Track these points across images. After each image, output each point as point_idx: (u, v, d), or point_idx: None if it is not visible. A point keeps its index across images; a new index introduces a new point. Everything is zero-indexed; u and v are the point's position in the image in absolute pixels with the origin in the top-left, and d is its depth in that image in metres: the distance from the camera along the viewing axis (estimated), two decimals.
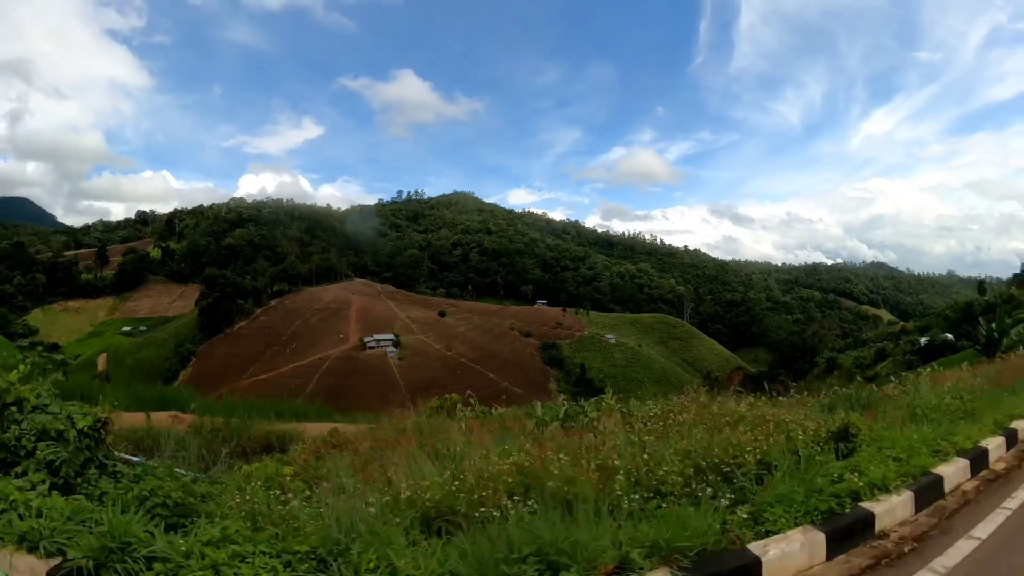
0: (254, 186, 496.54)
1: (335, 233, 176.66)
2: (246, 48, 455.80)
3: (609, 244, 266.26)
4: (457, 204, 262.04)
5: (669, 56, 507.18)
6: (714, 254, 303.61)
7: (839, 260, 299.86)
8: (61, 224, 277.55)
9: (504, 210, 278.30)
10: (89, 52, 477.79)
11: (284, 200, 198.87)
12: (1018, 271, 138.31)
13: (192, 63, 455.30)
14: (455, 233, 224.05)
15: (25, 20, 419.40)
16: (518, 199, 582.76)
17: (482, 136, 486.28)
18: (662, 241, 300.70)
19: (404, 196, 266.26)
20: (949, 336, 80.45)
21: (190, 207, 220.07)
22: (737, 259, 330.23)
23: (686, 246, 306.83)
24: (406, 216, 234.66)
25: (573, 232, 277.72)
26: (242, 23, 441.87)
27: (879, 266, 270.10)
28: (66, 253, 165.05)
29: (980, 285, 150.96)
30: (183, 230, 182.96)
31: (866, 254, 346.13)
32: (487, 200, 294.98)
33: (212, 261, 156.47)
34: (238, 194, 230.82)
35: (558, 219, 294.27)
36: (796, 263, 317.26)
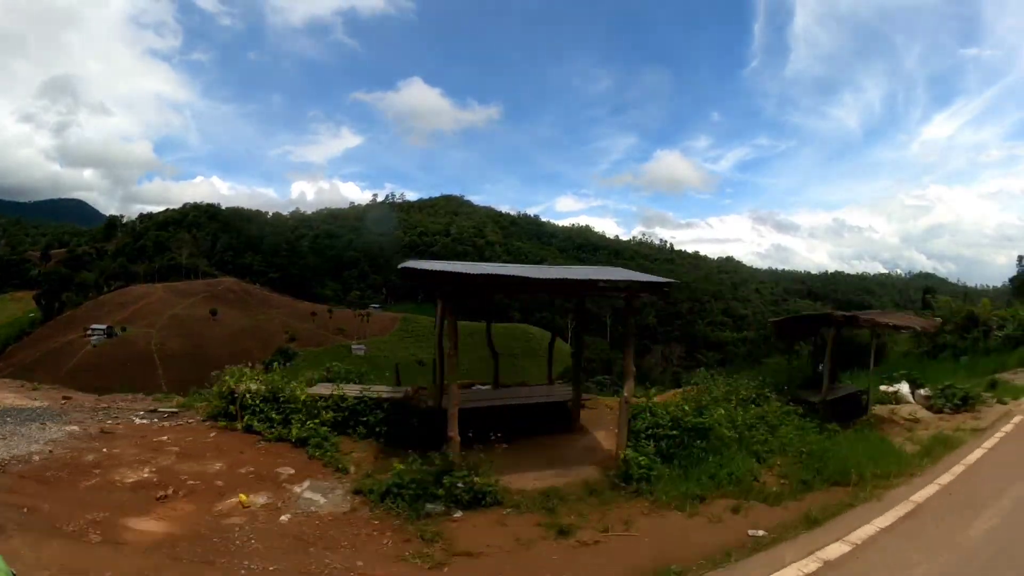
0: (301, 192, 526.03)
1: (241, 235, 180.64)
2: (288, 62, 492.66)
3: (595, 248, 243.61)
4: (433, 206, 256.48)
5: (723, 60, 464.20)
6: (762, 264, 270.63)
7: (896, 271, 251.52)
8: None
9: (494, 212, 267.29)
10: (133, 70, 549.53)
11: (202, 203, 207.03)
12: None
13: (231, 79, 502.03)
14: (410, 236, 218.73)
15: (74, 43, 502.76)
16: (565, 207, 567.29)
17: (536, 144, 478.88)
18: (671, 247, 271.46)
19: (383, 198, 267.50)
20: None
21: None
22: (777, 268, 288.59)
23: (697, 252, 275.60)
24: (372, 219, 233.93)
25: (563, 235, 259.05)
26: (288, 36, 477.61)
27: (926, 277, 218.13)
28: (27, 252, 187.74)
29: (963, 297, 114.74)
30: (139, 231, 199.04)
31: (924, 265, 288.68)
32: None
33: (128, 260, 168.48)
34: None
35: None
36: (850, 272, 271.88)
